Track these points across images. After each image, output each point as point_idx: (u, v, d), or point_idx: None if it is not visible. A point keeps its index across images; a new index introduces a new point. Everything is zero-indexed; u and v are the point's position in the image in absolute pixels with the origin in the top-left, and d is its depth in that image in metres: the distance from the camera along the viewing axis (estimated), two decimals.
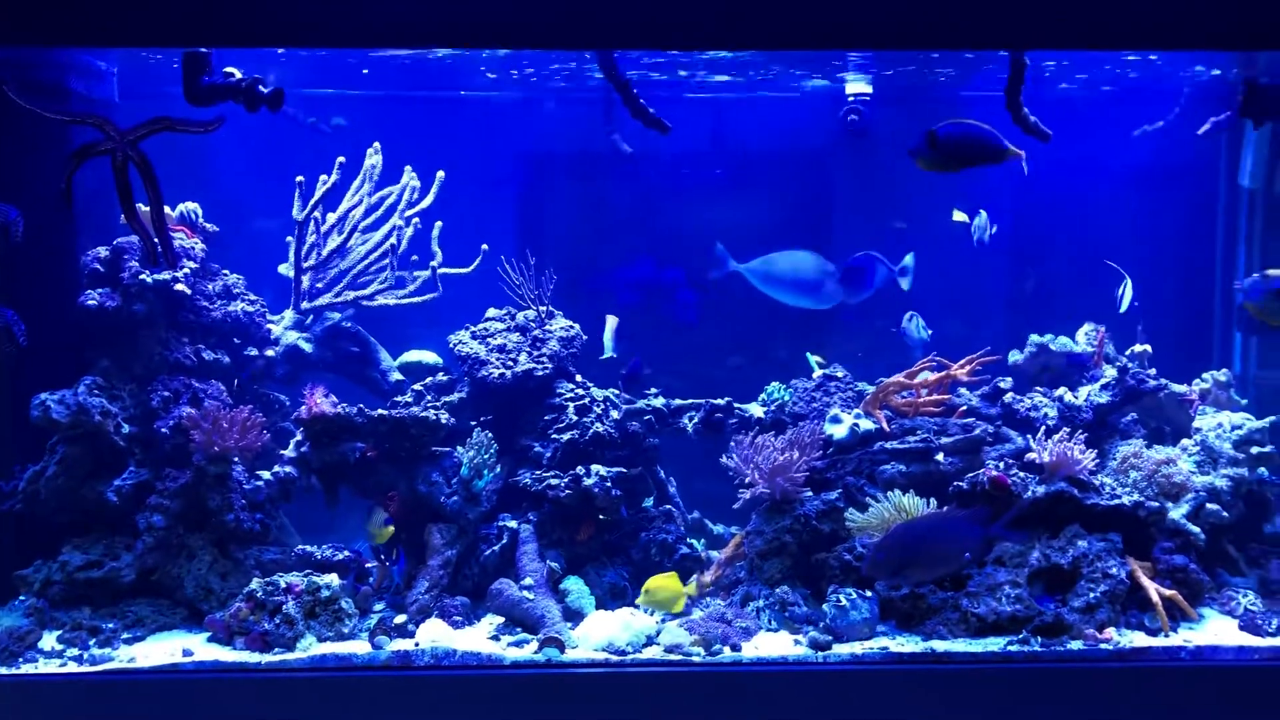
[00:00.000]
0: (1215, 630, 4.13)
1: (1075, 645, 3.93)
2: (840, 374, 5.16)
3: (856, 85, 5.30)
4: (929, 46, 3.73)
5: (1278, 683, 3.86)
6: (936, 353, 4.93)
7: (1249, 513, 4.63)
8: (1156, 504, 4.33)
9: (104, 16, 3.52)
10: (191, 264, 4.67)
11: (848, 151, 5.69)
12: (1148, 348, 5.18)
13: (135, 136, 3.66)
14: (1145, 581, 4.12)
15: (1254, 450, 4.60)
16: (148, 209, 3.76)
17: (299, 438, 4.55)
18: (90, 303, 4.43)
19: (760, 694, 3.85)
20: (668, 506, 4.93)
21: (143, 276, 4.44)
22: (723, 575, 4.57)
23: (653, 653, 3.97)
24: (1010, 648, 3.93)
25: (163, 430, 4.38)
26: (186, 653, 3.90)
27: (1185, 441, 4.79)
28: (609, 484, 4.53)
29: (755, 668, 3.91)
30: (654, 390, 5.12)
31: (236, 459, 4.35)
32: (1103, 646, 3.93)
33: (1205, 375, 5.10)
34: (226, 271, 4.92)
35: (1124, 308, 5.13)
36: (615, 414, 4.90)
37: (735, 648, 3.98)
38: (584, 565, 4.56)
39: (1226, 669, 3.92)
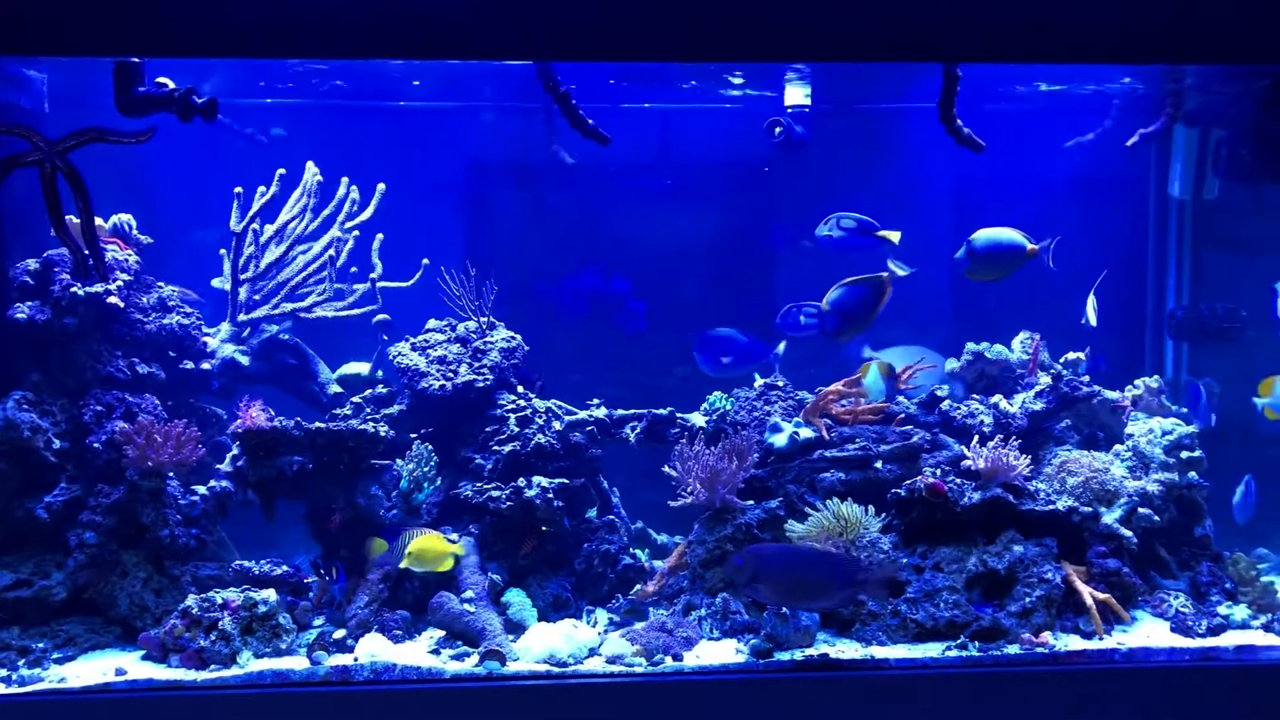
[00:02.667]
0: (1147, 632, 4.21)
1: (1012, 649, 3.98)
2: (781, 383, 5.20)
3: (795, 97, 5.35)
4: (865, 59, 3.78)
5: (1207, 683, 3.93)
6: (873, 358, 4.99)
7: (1180, 516, 4.72)
8: (1090, 509, 4.40)
9: (32, 24, 3.47)
10: (125, 276, 4.60)
11: (785, 163, 5.74)
12: (1082, 355, 5.27)
13: (64, 147, 3.60)
14: (1080, 585, 4.19)
15: (1184, 455, 4.69)
16: (78, 221, 3.70)
17: (235, 452, 4.49)
18: (19, 316, 4.34)
19: (702, 703, 3.85)
20: (611, 517, 4.93)
21: (74, 289, 4.37)
22: (666, 585, 4.57)
23: (594, 664, 3.96)
24: (949, 653, 3.97)
25: (95, 445, 4.31)
26: (119, 671, 3.82)
27: (1118, 447, 4.88)
28: (551, 495, 4.52)
29: (697, 677, 3.91)
30: (596, 400, 5.12)
31: (171, 474, 4.29)
32: (1039, 650, 3.98)
33: (1138, 382, 5.20)
34: (162, 284, 4.85)
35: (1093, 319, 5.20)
36: (557, 425, 4.90)
37: (677, 657, 3.98)
38: (526, 577, 4.54)
39: (1158, 670, 3.98)
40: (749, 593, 3.99)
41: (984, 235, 4.34)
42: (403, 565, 4.19)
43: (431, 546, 4.20)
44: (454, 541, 4.33)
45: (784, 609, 4.01)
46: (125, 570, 4.19)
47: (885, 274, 4.43)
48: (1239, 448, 5.38)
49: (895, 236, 4.66)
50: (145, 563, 4.22)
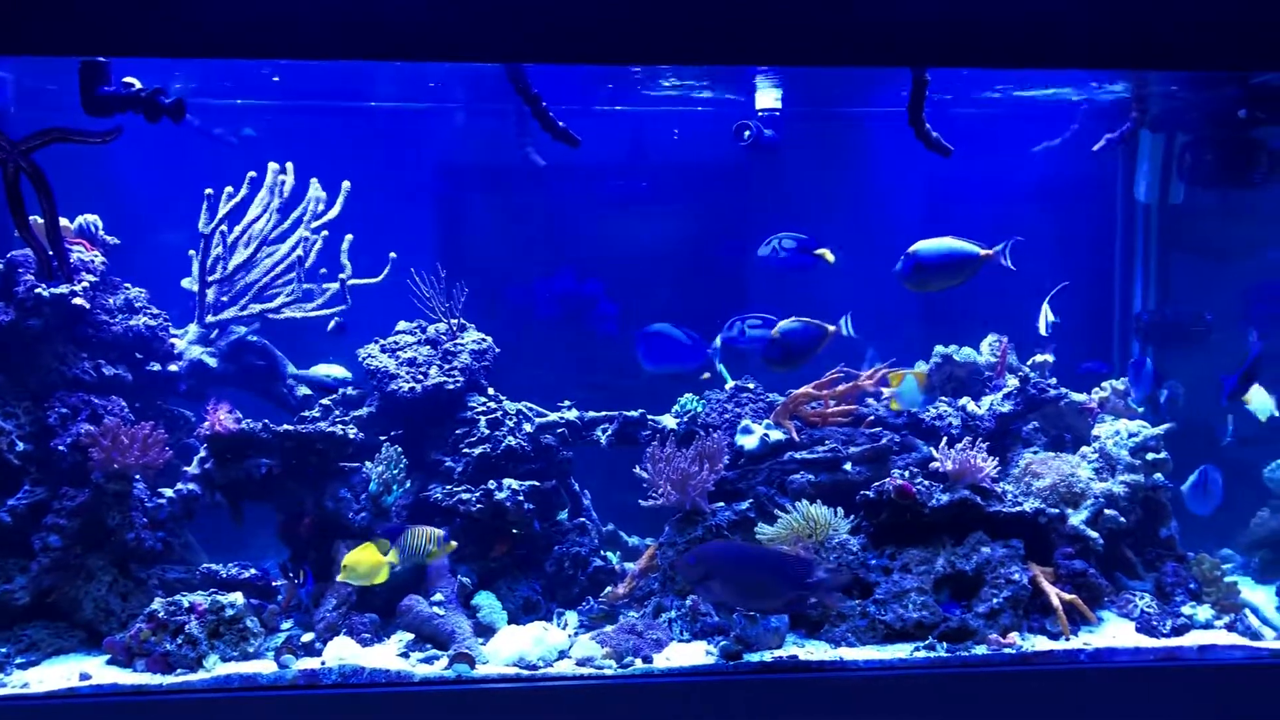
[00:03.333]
0: (1113, 633, 4.24)
1: (980, 650, 4.00)
2: (752, 385, 5.21)
3: (766, 100, 5.36)
4: (834, 63, 3.79)
5: (1171, 682, 3.97)
6: (844, 364, 5.01)
7: (1145, 517, 4.76)
8: (1057, 510, 4.44)
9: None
10: (91, 277, 4.55)
11: (757, 165, 5.76)
12: (1049, 357, 5.31)
13: (28, 147, 3.56)
14: (1046, 586, 4.22)
15: (1150, 457, 4.73)
16: (43, 221, 3.67)
17: (202, 454, 4.46)
18: None
19: (672, 705, 3.86)
20: (582, 519, 4.92)
21: (39, 290, 4.32)
22: (637, 587, 4.57)
23: (564, 666, 3.95)
24: (917, 654, 3.99)
25: (60, 448, 4.26)
26: (84, 676, 3.79)
27: (1085, 449, 4.92)
28: (521, 497, 4.51)
29: (667, 679, 3.91)
30: (567, 402, 5.12)
31: (138, 476, 4.25)
32: (1006, 651, 4.00)
33: (1104, 384, 5.25)
34: (128, 285, 4.81)
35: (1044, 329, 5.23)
36: (528, 427, 4.89)
37: (647, 659, 3.98)
38: (496, 580, 4.53)
39: (1123, 670, 4.02)
40: (701, 592, 4.00)
41: (929, 246, 4.35)
42: (339, 578, 4.07)
43: (364, 559, 4.06)
44: (440, 544, 4.20)
45: (737, 610, 4.03)
46: (90, 574, 4.15)
47: (831, 327, 4.53)
48: (1204, 450, 5.44)
49: (831, 256, 4.71)
50: (111, 566, 4.18)
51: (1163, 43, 3.68)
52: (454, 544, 4.21)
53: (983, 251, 4.33)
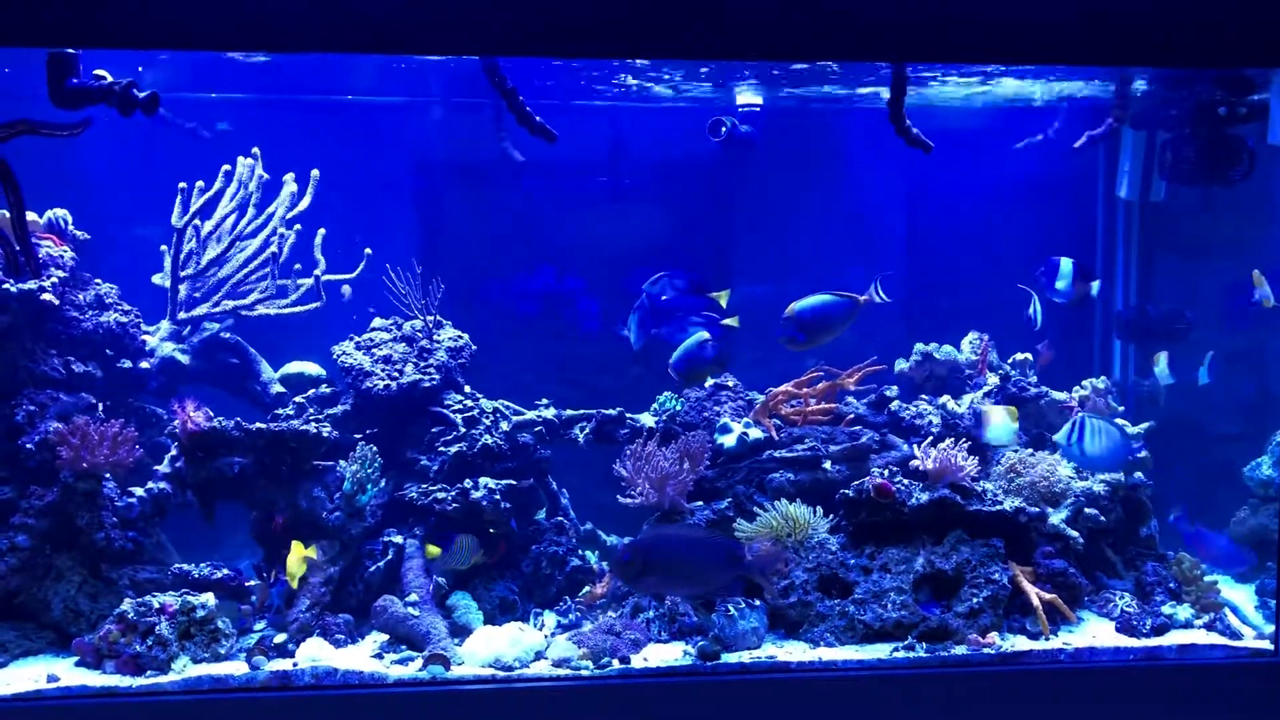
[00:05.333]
0: (1093, 632, 4.23)
1: (960, 650, 3.99)
2: (731, 383, 5.18)
3: (746, 96, 5.33)
4: (814, 59, 3.76)
5: (1152, 682, 3.96)
6: (824, 362, 4.98)
7: (1125, 516, 4.75)
8: (1037, 509, 4.41)
9: None
10: (60, 273, 4.49)
11: (735, 162, 5.73)
12: (1029, 356, 5.29)
13: None
14: (1026, 586, 4.20)
15: None
16: (9, 215, 3.60)
17: (173, 452, 4.40)
18: None
19: (649, 705, 3.82)
20: (559, 519, 4.88)
21: (6, 286, 4.25)
22: (614, 587, 4.54)
23: (540, 667, 3.92)
24: (896, 654, 3.97)
25: (28, 446, 4.20)
26: (51, 678, 3.72)
27: None
28: (498, 497, 4.47)
29: (644, 679, 3.88)
30: (545, 400, 5.07)
31: (108, 475, 4.19)
32: (986, 650, 3.98)
33: (1085, 382, 5.24)
34: (99, 281, 4.74)
35: (1037, 325, 5.20)
36: (505, 425, 4.84)
37: (624, 660, 3.94)
38: (472, 580, 4.48)
39: (1103, 669, 4.00)
40: (639, 588, 3.95)
41: (806, 304, 4.36)
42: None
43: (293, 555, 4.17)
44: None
45: (718, 612, 4.00)
46: (59, 574, 4.09)
47: (862, 297, 4.45)
48: (1186, 448, 5.45)
49: (724, 298, 4.68)
50: (80, 566, 4.13)
51: (1144, 39, 3.66)
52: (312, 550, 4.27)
53: (859, 298, 4.35)
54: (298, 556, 4.18)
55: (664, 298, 4.72)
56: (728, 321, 4.70)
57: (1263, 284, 4.94)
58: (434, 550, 4.35)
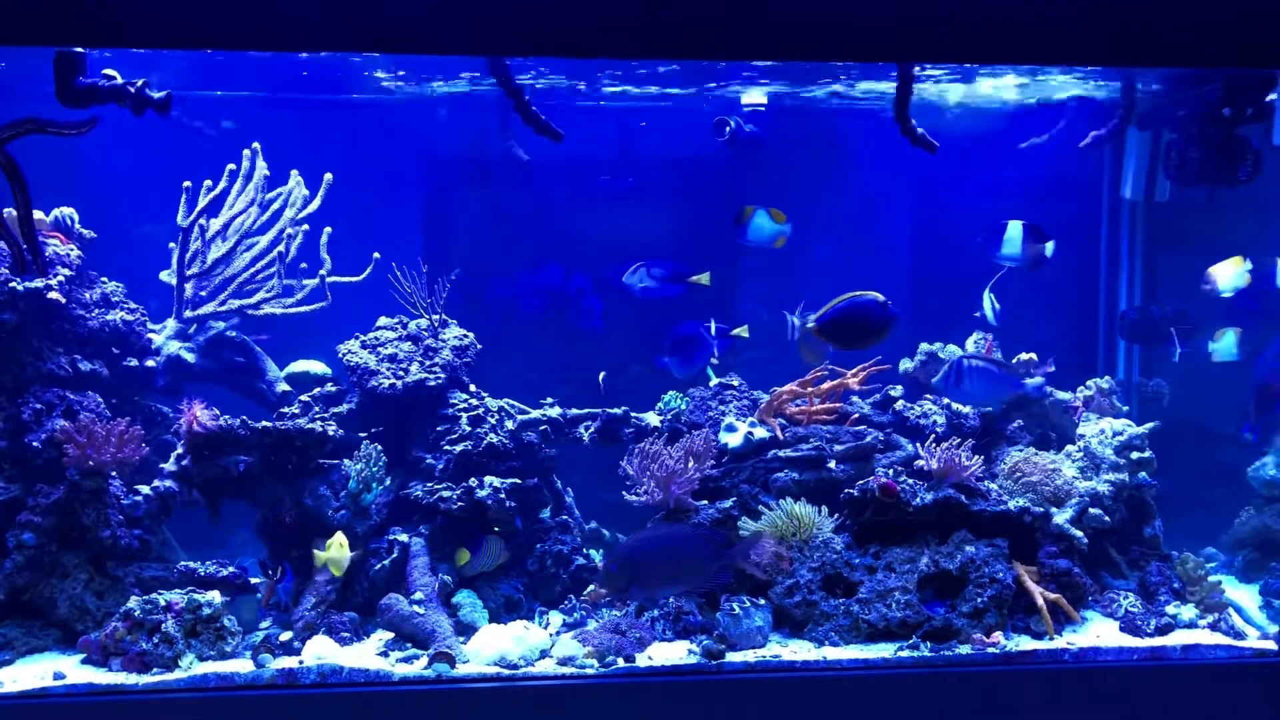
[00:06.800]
0: (1097, 632, 4.23)
1: (964, 649, 3.99)
2: (736, 383, 5.18)
3: (753, 95, 5.33)
4: (819, 59, 3.76)
5: (1155, 682, 3.97)
6: (829, 361, 4.98)
7: (1130, 516, 4.75)
8: (1041, 509, 4.42)
9: None
10: (67, 271, 4.50)
11: (741, 162, 5.73)
12: (1033, 356, 5.29)
13: (1, 138, 3.50)
14: (1031, 586, 4.20)
15: (1134, 455, 4.72)
16: (16, 213, 3.60)
17: (179, 451, 4.41)
18: None
19: (654, 704, 3.83)
20: (564, 517, 4.89)
21: (13, 284, 4.26)
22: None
23: (545, 666, 3.93)
24: (901, 653, 3.97)
25: (34, 444, 4.21)
26: (58, 675, 3.74)
27: (1069, 447, 4.91)
28: (503, 495, 4.47)
29: (649, 678, 3.88)
30: (550, 399, 5.08)
31: (114, 473, 4.20)
32: (990, 650, 3.99)
33: (1089, 382, 5.24)
34: (105, 279, 4.75)
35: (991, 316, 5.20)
36: (510, 424, 4.85)
37: (629, 658, 3.95)
38: (477, 578, 4.49)
39: (1108, 669, 4.01)
40: (631, 596, 3.96)
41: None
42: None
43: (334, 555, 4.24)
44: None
45: (722, 611, 4.01)
46: (65, 572, 4.10)
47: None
48: (1191, 449, 5.45)
49: (705, 279, 4.66)
50: (86, 564, 4.13)
51: (1149, 40, 3.66)
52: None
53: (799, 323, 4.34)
54: (339, 543, 4.21)
55: (641, 286, 4.71)
56: (736, 331, 4.70)
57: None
58: (464, 555, 4.36)
